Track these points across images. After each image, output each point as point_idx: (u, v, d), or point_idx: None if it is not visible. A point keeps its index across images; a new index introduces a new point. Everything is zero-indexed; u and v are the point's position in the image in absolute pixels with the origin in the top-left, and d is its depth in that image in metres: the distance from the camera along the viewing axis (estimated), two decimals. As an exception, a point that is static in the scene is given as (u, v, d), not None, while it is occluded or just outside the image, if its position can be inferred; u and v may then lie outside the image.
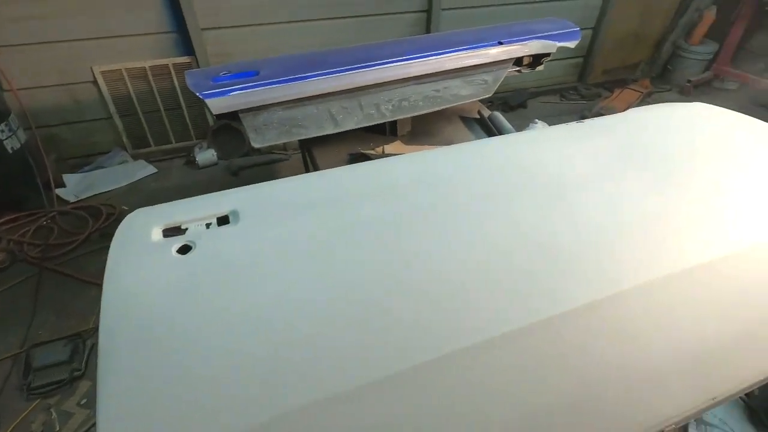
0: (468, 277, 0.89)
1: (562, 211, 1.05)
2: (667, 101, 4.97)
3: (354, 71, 1.75)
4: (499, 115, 2.13)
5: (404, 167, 1.21)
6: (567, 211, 1.05)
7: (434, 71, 1.83)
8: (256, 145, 1.48)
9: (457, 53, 1.94)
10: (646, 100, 4.69)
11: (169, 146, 3.83)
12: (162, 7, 3.21)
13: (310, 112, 1.62)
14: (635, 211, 1.07)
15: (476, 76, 1.90)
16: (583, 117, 4.48)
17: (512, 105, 4.60)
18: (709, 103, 5.25)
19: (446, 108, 2.41)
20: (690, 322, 0.98)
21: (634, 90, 4.67)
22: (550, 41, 2.15)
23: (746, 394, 2.10)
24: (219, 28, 3.42)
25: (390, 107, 1.68)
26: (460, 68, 1.88)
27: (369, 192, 1.07)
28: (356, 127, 1.58)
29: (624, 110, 4.54)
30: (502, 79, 1.92)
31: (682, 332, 0.97)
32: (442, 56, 1.90)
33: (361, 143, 2.04)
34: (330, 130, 1.57)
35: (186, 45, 3.42)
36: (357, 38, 3.80)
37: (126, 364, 0.71)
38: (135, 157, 3.72)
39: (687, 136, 1.39)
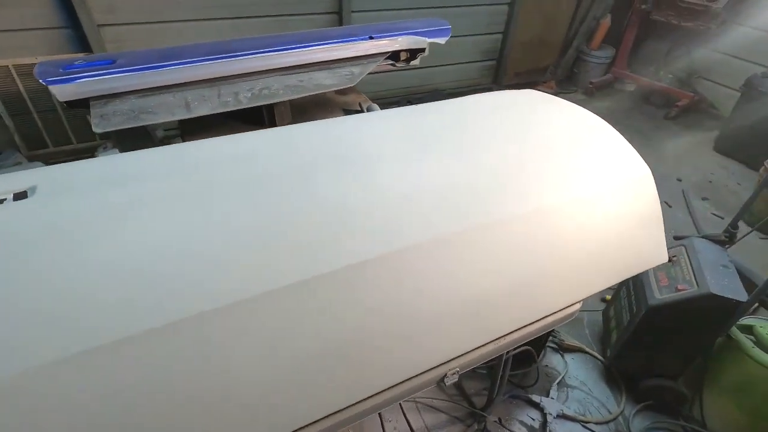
0: (260, 233, 0.95)
1: (362, 179, 1.14)
2: (571, 101, 5.36)
3: (213, 62, 1.79)
4: (374, 108, 2.24)
5: (224, 146, 1.27)
6: (367, 179, 1.14)
7: (299, 63, 1.91)
8: (97, 130, 1.48)
9: (325, 46, 2.03)
10: (551, 99, 5.03)
11: (69, 147, 3.66)
12: (51, 0, 3.10)
13: (165, 100, 1.64)
14: (429, 179, 1.18)
15: (343, 68, 2.00)
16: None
17: (429, 105, 4.79)
18: (611, 103, 5.65)
19: (331, 100, 2.51)
20: (467, 276, 1.09)
21: (540, 91, 5.00)
22: (421, 37, 2.29)
23: (602, 355, 2.31)
24: (117, 24, 3.34)
25: (249, 95, 1.73)
26: (326, 60, 1.97)
27: (174, 170, 1.11)
28: (209, 113, 1.62)
29: (531, 109, 4.81)
30: (369, 71, 2.03)
31: (459, 284, 1.08)
32: (309, 48, 1.99)
33: (229, 133, 2.08)
34: (181, 116, 1.60)
35: (82, 41, 3.31)
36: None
37: None
38: (30, 159, 3.53)
39: (504, 115, 1.54)
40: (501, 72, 5.35)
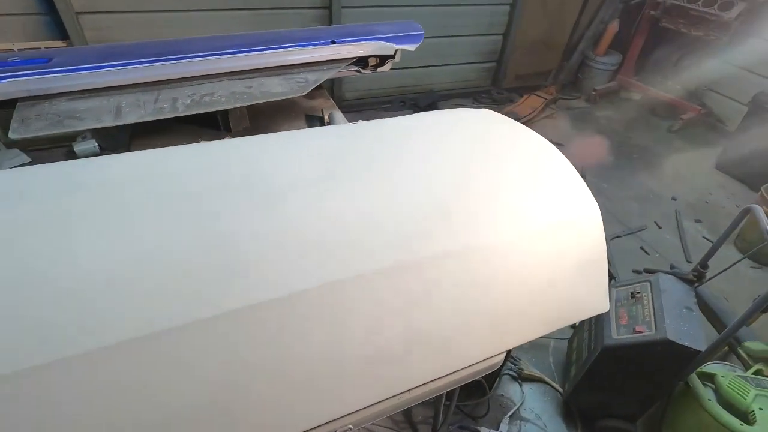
0: (122, 269, 0.86)
1: (265, 211, 1.05)
2: (572, 108, 5.17)
3: (156, 64, 1.70)
4: (336, 116, 2.14)
5: (127, 164, 1.18)
6: (269, 212, 1.05)
7: (250, 68, 1.82)
8: (13, 136, 1.41)
9: (280, 50, 1.93)
10: (550, 106, 4.85)
11: (50, 134, 3.62)
12: (28, -15, 3.03)
13: (96, 104, 1.56)
14: (340, 212, 1.08)
15: (298, 74, 1.90)
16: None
17: (421, 106, 4.65)
18: (613, 112, 5.46)
19: (295, 104, 2.41)
20: (365, 325, 1.00)
21: (539, 96, 4.83)
22: (388, 43, 2.17)
23: (563, 387, 2.20)
24: (96, 12, 3.27)
25: (188, 102, 1.64)
26: (279, 66, 1.87)
27: (59, 190, 1.03)
28: (139, 121, 1.54)
29: (529, 114, 4.67)
30: (326, 78, 1.92)
31: (356, 333, 0.99)
32: (262, 52, 1.88)
33: (187, 138, 1.99)
34: (108, 123, 1.52)
35: (60, 28, 3.24)
36: (252, 30, 3.72)
37: None
38: (9, 146, 3.51)
39: (447, 139, 1.43)
40: (501, 74, 5.17)
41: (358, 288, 0.98)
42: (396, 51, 2.22)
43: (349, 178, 1.19)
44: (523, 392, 2.21)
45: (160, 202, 1.03)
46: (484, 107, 4.99)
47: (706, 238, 3.33)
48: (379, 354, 1.01)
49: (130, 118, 1.54)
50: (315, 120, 2.24)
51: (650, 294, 1.81)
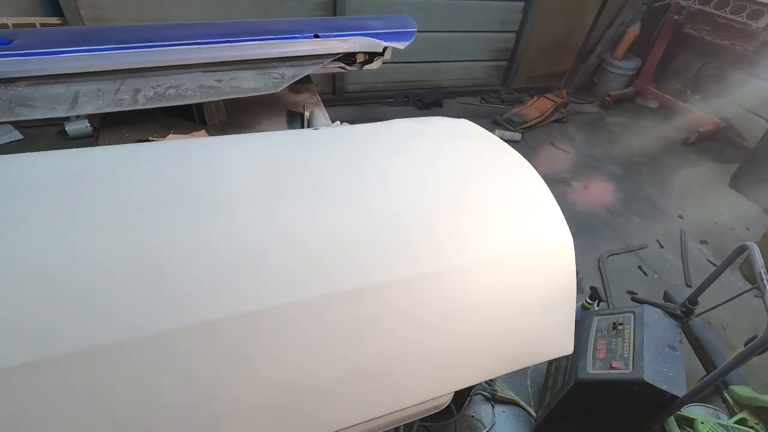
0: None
1: (201, 225, 0.96)
2: (583, 113, 4.97)
3: (123, 51, 1.62)
4: (317, 115, 2.03)
5: (67, 162, 1.10)
6: (205, 227, 0.96)
7: (221, 60, 1.72)
8: (-42, 121, 1.35)
9: (258, 42, 1.82)
10: (560, 110, 4.66)
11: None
12: (22, -41, 2.97)
13: (54, 92, 1.48)
14: (279, 232, 0.99)
15: (275, 69, 1.79)
16: (494, 121, 4.44)
17: (426, 102, 4.51)
18: (627, 119, 5.24)
19: (280, 98, 2.31)
20: (290, 358, 0.91)
21: (549, 99, 4.64)
22: (377, 40, 2.05)
23: (536, 413, 2.10)
24: (92, -10, 3.19)
25: (151, 94, 1.55)
26: (255, 59, 1.76)
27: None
28: (95, 112, 1.46)
29: (536, 117, 4.50)
30: (306, 74, 1.81)
31: (279, 368, 0.90)
32: (237, 44, 1.78)
33: (159, 129, 1.91)
34: (62, 113, 1.44)
35: (55, 5, 3.18)
36: (251, 14, 3.62)
37: None
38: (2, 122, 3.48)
39: (414, 152, 1.32)
40: (511, 74, 4.99)
41: (277, 319, 0.89)
42: (385, 48, 2.10)
43: (301, 190, 1.10)
44: (494, 415, 2.11)
45: (92, 209, 0.95)
46: (491, 107, 4.84)
47: (711, 262, 3.17)
48: (300, 392, 0.92)
49: (86, 108, 1.46)
50: (296, 117, 2.14)
51: (632, 327, 1.69)
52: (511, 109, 4.59)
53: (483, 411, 2.13)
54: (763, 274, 1.28)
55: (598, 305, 2.35)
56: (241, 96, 1.66)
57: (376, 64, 2.16)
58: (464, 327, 1.08)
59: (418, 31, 2.24)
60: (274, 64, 1.83)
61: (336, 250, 0.99)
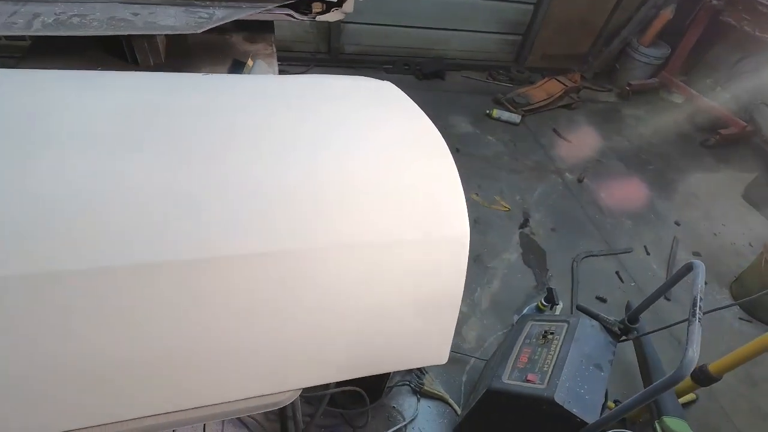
0: None
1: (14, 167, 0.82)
2: (597, 101, 4.59)
3: (27, -30, 1.46)
4: (260, 65, 1.85)
5: None
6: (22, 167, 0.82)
7: (142, -9, 1.54)
8: None
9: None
10: (570, 95, 4.31)
11: None
12: None
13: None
14: (120, 183, 0.84)
15: (204, 8, 1.60)
16: (495, 100, 4.14)
17: (426, 73, 4.23)
18: (645, 112, 4.83)
19: (231, 46, 2.12)
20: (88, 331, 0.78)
21: (560, 82, 4.29)
22: (332, -14, 1.82)
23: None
24: None
25: (51, 21, 1.40)
26: (182, -6, 1.58)
27: None
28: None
29: (542, 100, 4.18)
30: (239, 17, 1.62)
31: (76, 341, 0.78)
32: (164, -25, 1.59)
33: (87, 65, 1.77)
34: (-58, 32, 1.32)
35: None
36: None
37: None
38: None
39: (312, 110, 1.14)
40: (525, 51, 4.62)
41: (62, 285, 0.76)
42: (341, -3, 1.87)
43: (150, 141, 0.94)
44: (417, 408, 1.99)
45: None
46: (497, 84, 4.51)
47: (698, 276, 2.90)
48: (86, 372, 0.80)
49: (-30, 30, 1.32)
50: (241, 67, 1.96)
51: (562, 339, 1.51)
52: (517, 89, 4.27)
53: (407, 403, 2.01)
54: (698, 301, 1.07)
55: (551, 309, 2.16)
56: (155, 33, 1.49)
57: (333, 16, 1.94)
58: (315, 319, 0.92)
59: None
60: (206, 2, 1.64)
61: (159, 213, 0.84)
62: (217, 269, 0.82)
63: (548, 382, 1.37)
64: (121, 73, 1.24)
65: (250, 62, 1.91)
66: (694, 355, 0.96)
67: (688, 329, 1.02)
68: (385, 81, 1.35)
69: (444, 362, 1.03)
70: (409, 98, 1.29)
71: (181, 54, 1.96)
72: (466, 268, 1.03)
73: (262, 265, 0.85)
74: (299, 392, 0.99)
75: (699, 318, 1.03)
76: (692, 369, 0.95)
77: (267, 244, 0.85)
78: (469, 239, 1.02)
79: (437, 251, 1.00)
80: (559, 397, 1.31)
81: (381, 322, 0.96)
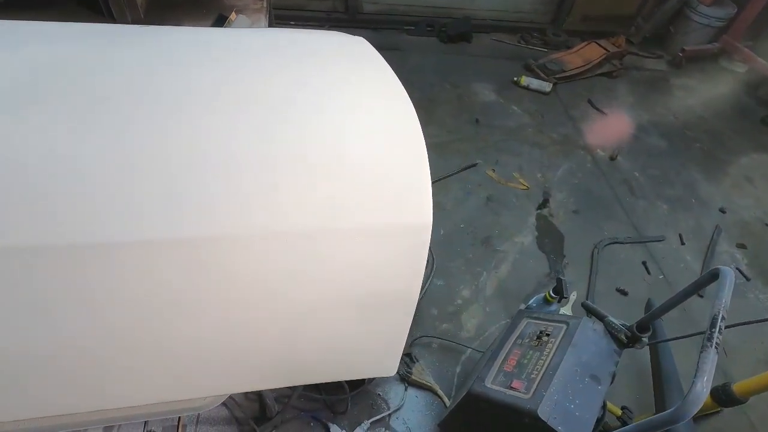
0: None
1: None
2: (643, 68, 4.11)
3: None
4: (241, 20, 1.67)
5: None
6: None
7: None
8: None
9: None
10: (612, 61, 3.87)
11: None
12: None
13: None
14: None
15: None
16: (526, 67, 3.79)
17: (451, 35, 3.89)
18: (698, 82, 4.33)
19: (218, 1, 1.95)
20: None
21: (601, 46, 3.84)
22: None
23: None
24: None
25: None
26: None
27: None
28: None
29: (578, 66, 3.79)
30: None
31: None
32: None
33: (57, 19, 1.66)
34: None
35: None
36: None
37: None
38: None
39: (274, 70, 0.97)
40: (563, 11, 4.16)
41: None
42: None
43: (68, 98, 0.80)
44: (404, 398, 1.88)
45: None
46: (530, 49, 4.10)
47: (741, 272, 2.58)
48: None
49: None
50: (223, 21, 1.79)
51: (557, 342, 1.32)
52: (551, 54, 3.87)
53: (393, 391, 1.89)
54: (719, 321, 0.85)
55: (559, 302, 1.95)
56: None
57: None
58: (233, 318, 0.79)
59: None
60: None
61: (62, 184, 0.71)
62: (107, 257, 0.69)
63: (534, 392, 1.20)
64: (64, 25, 1.11)
65: (232, 16, 1.74)
66: (703, 390, 0.76)
67: (699, 356, 0.81)
68: (357, 36, 1.15)
69: (392, 374, 0.88)
70: (380, 56, 1.09)
71: (162, 7, 1.81)
72: (424, 265, 0.85)
73: (163, 253, 0.72)
74: (223, 398, 0.87)
75: (717, 343, 0.82)
76: (698, 407, 0.75)
77: (169, 231, 0.71)
78: (431, 230, 0.85)
79: (389, 243, 0.83)
80: (544, 412, 1.14)
81: (315, 324, 0.82)
